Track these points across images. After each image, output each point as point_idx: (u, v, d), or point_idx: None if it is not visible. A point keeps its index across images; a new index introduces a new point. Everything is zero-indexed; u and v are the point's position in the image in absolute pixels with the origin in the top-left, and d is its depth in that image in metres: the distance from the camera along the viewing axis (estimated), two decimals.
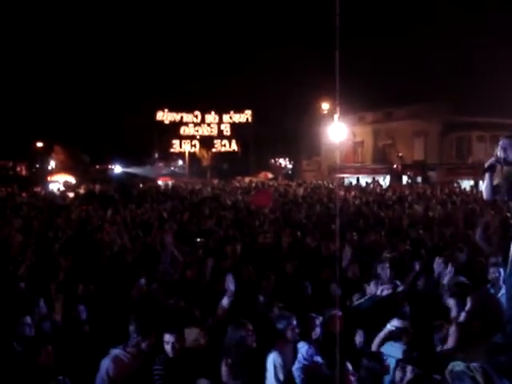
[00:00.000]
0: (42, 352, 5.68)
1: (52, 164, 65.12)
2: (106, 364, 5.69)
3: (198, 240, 11.92)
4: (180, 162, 70.10)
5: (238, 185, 40.22)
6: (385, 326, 6.65)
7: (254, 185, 37.65)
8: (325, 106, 54.90)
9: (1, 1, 61.84)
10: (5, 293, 7.56)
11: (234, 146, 66.21)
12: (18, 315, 6.22)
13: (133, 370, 5.64)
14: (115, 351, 5.79)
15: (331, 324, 6.49)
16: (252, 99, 61.43)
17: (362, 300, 7.73)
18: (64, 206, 21.62)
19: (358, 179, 46.13)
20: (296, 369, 6.09)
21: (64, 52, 64.72)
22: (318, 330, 6.47)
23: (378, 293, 7.59)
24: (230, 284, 7.19)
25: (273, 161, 67.05)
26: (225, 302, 7.09)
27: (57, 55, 64.10)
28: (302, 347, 6.23)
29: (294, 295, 8.04)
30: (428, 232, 13.28)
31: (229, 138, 66.03)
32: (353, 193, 29.01)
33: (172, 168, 69.84)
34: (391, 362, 5.94)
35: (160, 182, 49.26)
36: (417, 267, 9.28)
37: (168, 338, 5.76)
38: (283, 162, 68.03)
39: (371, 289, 7.86)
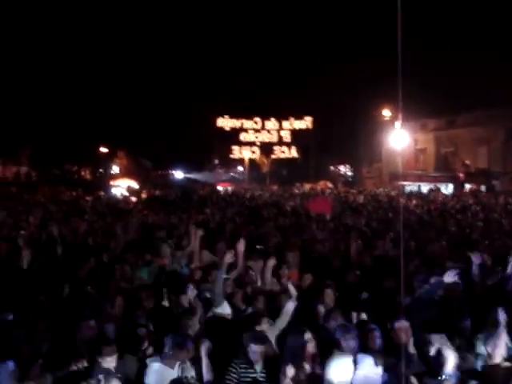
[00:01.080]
0: (102, 350, 5.82)
1: (115, 169, 66.52)
2: (146, 375, 5.85)
3: (258, 246, 11.89)
4: (240, 168, 70.45)
5: (297, 191, 40.13)
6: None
7: (313, 192, 37.52)
8: (386, 112, 54.24)
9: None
10: (70, 296, 7.76)
11: (294, 153, 66.08)
12: (83, 318, 6.35)
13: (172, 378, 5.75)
14: (153, 363, 5.90)
15: (396, 335, 6.39)
16: (312, 105, 61.26)
17: (426, 289, 7.62)
18: (127, 210, 22.03)
19: (419, 187, 45.31)
20: (355, 380, 6.01)
21: (129, 61, 66.09)
22: (378, 342, 6.37)
23: (445, 279, 7.53)
24: (292, 289, 7.16)
25: (332, 167, 66.59)
26: (289, 306, 7.06)
27: (122, 64, 65.50)
28: (362, 359, 6.15)
29: (355, 305, 7.94)
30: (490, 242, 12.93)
31: (288, 145, 65.97)
32: (414, 201, 28.52)
33: (231, 174, 70.29)
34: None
35: (219, 188, 49.62)
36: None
37: (255, 348, 5.83)
38: (343, 168, 67.49)
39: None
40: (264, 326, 6.74)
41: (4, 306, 7.39)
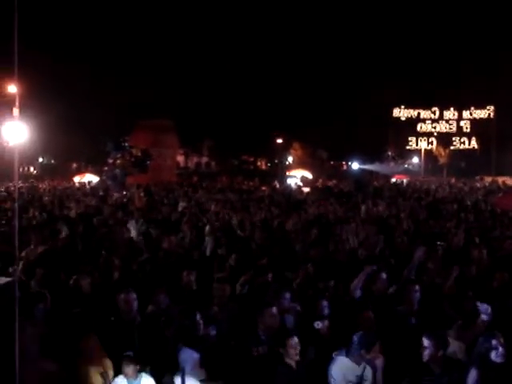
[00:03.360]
0: (286, 342, 5.91)
1: (290, 159, 67.62)
2: (331, 367, 5.88)
3: (439, 243, 11.37)
4: (415, 160, 68.56)
5: (477, 185, 38.26)
6: None
7: (496, 186, 35.48)
8: None
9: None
10: (255, 284, 7.94)
11: (474, 144, 63.13)
12: (265, 306, 6.46)
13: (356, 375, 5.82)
14: (339, 357, 5.90)
15: None
16: (495, 94, 57.95)
17: None
18: (301, 200, 22.27)
19: None
20: None
21: (304, 53, 66.99)
22: None
23: None
24: (485, 309, 6.90)
25: None
26: (484, 317, 6.81)
27: (299, 57, 66.57)
28: None
29: None
30: None
31: (468, 135, 63.15)
32: None
33: (406, 165, 68.58)
34: None
35: (394, 180, 48.75)
36: None
37: (426, 342, 5.64)
38: None
39: None
40: None
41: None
